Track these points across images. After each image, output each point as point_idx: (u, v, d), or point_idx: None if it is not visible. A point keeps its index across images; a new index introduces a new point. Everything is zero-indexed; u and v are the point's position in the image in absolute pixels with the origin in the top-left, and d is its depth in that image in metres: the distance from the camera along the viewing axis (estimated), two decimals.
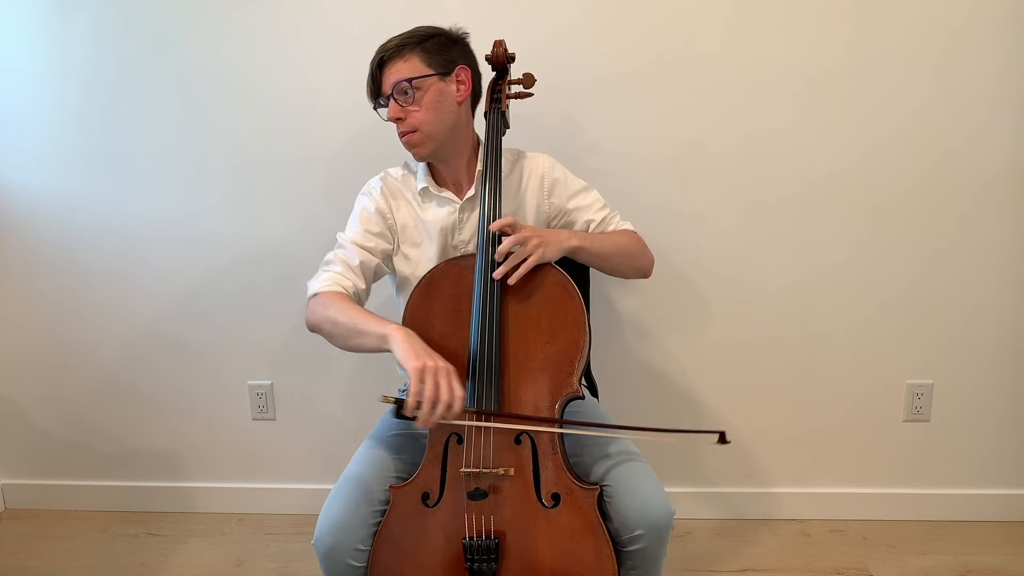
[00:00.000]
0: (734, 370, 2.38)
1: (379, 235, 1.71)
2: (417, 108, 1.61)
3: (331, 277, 1.63)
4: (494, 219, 1.58)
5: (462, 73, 1.65)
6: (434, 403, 1.37)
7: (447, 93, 1.64)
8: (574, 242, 1.62)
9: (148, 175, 2.34)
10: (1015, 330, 2.31)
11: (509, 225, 1.55)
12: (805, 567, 2.24)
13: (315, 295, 1.61)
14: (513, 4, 2.15)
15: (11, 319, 2.49)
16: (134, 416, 2.53)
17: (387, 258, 1.73)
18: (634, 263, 1.77)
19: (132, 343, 2.47)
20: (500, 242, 1.56)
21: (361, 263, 1.67)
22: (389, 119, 1.64)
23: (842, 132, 2.20)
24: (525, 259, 1.53)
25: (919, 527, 2.40)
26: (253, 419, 2.51)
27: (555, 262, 1.58)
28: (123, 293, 2.44)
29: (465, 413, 1.43)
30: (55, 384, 2.53)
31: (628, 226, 1.82)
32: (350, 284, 1.64)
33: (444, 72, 1.63)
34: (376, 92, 1.64)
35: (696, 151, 2.23)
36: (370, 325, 1.49)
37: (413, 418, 1.39)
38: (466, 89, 1.67)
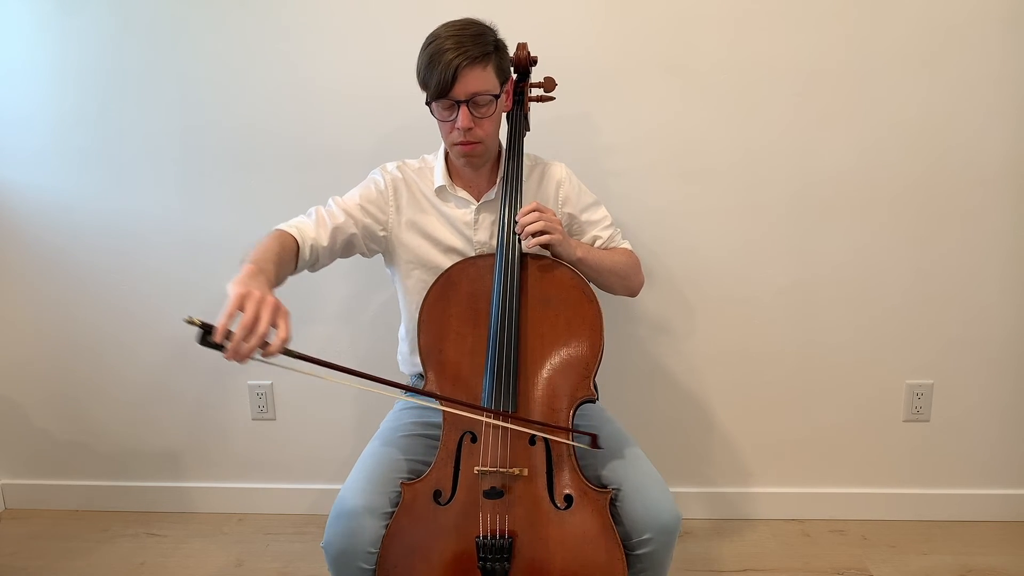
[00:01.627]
0: (734, 370, 2.39)
1: (371, 215, 1.70)
2: (485, 121, 1.60)
3: (298, 222, 1.63)
4: (514, 218, 1.59)
5: (509, 83, 1.66)
6: (249, 333, 1.21)
7: (502, 105, 1.64)
8: (579, 253, 1.64)
9: (147, 174, 2.34)
10: (1015, 330, 2.32)
11: (537, 210, 1.58)
12: (805, 567, 2.24)
13: (274, 230, 1.59)
14: (510, 5, 2.15)
15: (11, 319, 2.49)
16: (134, 416, 2.53)
17: (368, 238, 1.71)
18: (626, 283, 1.79)
19: (132, 343, 2.47)
20: (519, 243, 1.58)
21: (339, 226, 1.65)
22: (460, 127, 1.57)
23: (842, 132, 2.20)
24: (544, 232, 1.56)
25: (919, 527, 2.40)
26: (253, 419, 2.51)
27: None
28: (123, 292, 2.43)
29: (287, 356, 1.26)
30: (55, 384, 2.53)
31: (627, 245, 1.84)
32: (311, 235, 1.61)
33: (504, 83, 1.63)
34: (443, 92, 1.54)
35: (696, 151, 2.23)
36: (249, 255, 1.41)
37: (221, 347, 1.21)
38: (509, 99, 1.68)
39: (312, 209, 1.68)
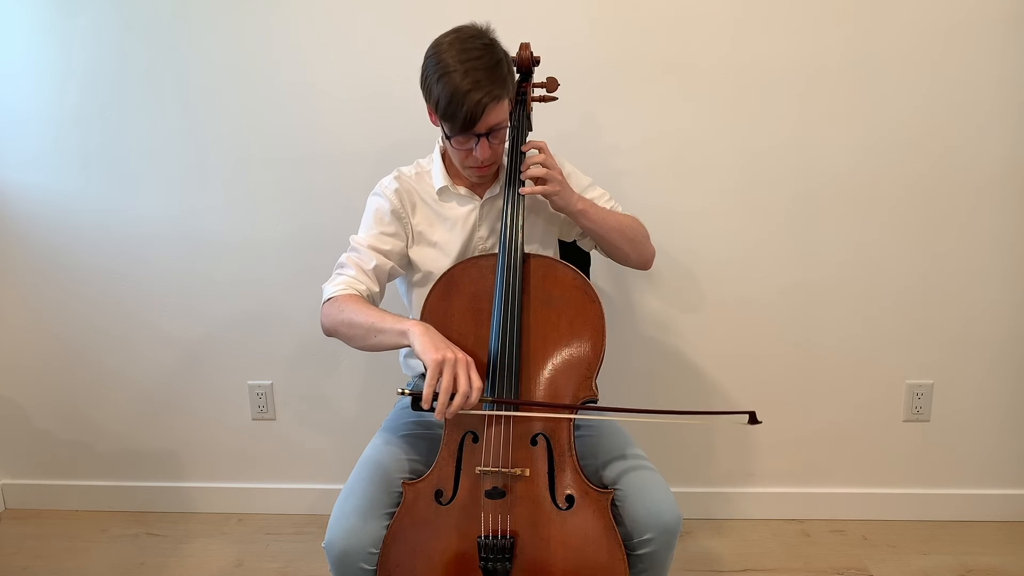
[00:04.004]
0: (734, 370, 2.39)
1: (394, 235, 1.70)
2: (502, 144, 1.62)
3: (345, 281, 1.63)
4: (517, 218, 1.60)
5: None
6: (451, 394, 1.37)
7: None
8: (580, 205, 1.65)
9: (148, 175, 2.34)
10: (1015, 330, 2.32)
11: (541, 148, 1.60)
12: (805, 567, 2.24)
13: (329, 299, 1.61)
14: (513, 5, 2.15)
15: (11, 319, 2.48)
16: (134, 416, 2.53)
17: (402, 259, 1.72)
18: (636, 247, 1.76)
19: (132, 343, 2.47)
20: (522, 242, 1.59)
21: (376, 266, 1.66)
22: (481, 157, 1.58)
23: (842, 132, 2.20)
24: (545, 181, 1.59)
25: (919, 527, 2.41)
26: (253, 419, 2.51)
27: (574, 266, 1.59)
28: (123, 293, 2.43)
29: (482, 403, 1.43)
30: (55, 384, 2.53)
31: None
32: (364, 288, 1.63)
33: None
34: (466, 129, 1.54)
35: (698, 151, 2.23)
36: (387, 323, 1.50)
37: (430, 410, 1.39)
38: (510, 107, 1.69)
39: (343, 259, 1.68)
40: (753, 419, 1.49)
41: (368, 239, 1.68)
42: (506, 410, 1.49)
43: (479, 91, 1.50)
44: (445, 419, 1.41)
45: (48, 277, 2.44)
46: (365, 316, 1.53)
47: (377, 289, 1.67)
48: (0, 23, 2.25)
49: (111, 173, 2.34)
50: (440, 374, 1.37)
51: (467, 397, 1.38)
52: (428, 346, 1.40)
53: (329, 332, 1.62)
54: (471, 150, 1.58)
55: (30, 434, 2.57)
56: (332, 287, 1.63)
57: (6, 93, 2.30)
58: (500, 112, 1.55)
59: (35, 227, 2.40)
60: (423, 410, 1.39)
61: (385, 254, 1.68)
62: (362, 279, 1.64)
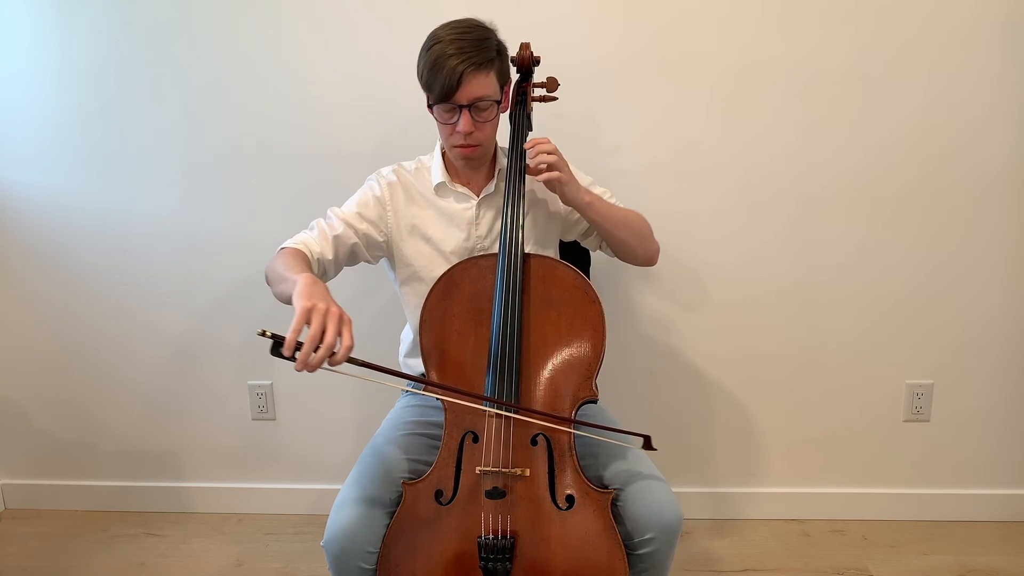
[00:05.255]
0: (735, 370, 2.39)
1: (370, 222, 1.71)
2: (486, 125, 1.62)
3: (303, 238, 1.65)
4: (517, 218, 1.59)
5: (508, 85, 1.68)
6: (316, 346, 1.27)
7: (499, 108, 1.65)
8: (587, 198, 1.65)
9: (148, 174, 2.34)
10: (1015, 330, 2.32)
11: (545, 142, 1.60)
12: (805, 567, 2.24)
13: (281, 249, 1.62)
14: (513, 4, 2.15)
15: (11, 319, 2.48)
16: (134, 416, 2.53)
17: (370, 245, 1.72)
18: (642, 241, 1.76)
19: (132, 342, 2.47)
20: (522, 242, 1.58)
21: (339, 236, 1.67)
22: (461, 131, 1.58)
23: (843, 133, 2.20)
24: (554, 169, 1.58)
25: (919, 527, 2.40)
26: (253, 419, 2.51)
27: (574, 266, 1.59)
28: (123, 292, 2.43)
29: (352, 364, 1.31)
30: (55, 384, 2.53)
31: None
32: (317, 249, 1.63)
33: (504, 87, 1.65)
34: (446, 97, 1.55)
35: (698, 152, 2.23)
36: (292, 272, 1.44)
37: (292, 359, 1.27)
38: (507, 102, 1.70)
39: (314, 223, 1.69)
40: (648, 444, 1.51)
41: (344, 213, 1.70)
42: (502, 409, 1.49)
43: (459, 57, 1.52)
44: (308, 371, 1.29)
45: (48, 277, 2.44)
46: (287, 268, 1.49)
47: (331, 258, 1.65)
48: (0, 23, 2.25)
49: (111, 173, 2.34)
50: (308, 322, 1.28)
51: (332, 351, 1.27)
52: (303, 294, 1.32)
53: (266, 279, 1.60)
54: (455, 125, 1.59)
55: (30, 434, 2.57)
56: (290, 240, 1.64)
57: (6, 93, 2.30)
58: (483, 84, 1.56)
59: (35, 227, 2.40)
60: (283, 357, 1.27)
61: (355, 231, 1.69)
62: (320, 242, 1.65)
